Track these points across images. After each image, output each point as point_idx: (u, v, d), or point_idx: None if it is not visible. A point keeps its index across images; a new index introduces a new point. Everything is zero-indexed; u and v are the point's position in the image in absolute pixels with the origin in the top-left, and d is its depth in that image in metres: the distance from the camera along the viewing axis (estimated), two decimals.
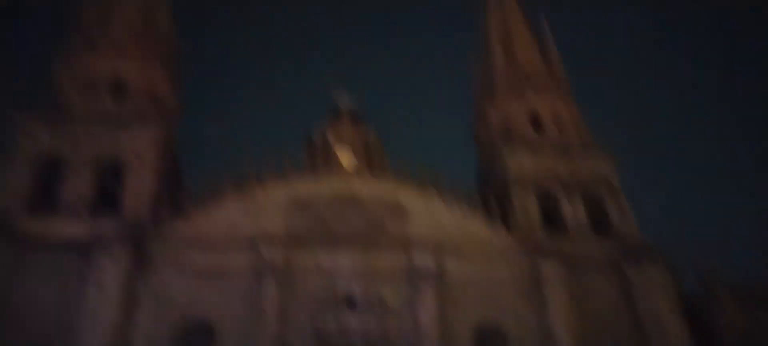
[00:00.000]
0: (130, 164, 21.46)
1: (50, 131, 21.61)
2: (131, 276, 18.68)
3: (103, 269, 18.42)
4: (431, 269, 20.11)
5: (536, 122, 26.05)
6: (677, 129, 70.36)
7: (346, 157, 23.24)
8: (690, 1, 70.50)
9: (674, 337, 19.40)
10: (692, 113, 69.33)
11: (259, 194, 21.40)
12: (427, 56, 78.50)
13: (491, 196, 23.10)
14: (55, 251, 19.06)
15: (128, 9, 26.34)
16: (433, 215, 21.79)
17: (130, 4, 26.57)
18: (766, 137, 63.60)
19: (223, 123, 63.15)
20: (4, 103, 22.49)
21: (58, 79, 23.77)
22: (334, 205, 21.55)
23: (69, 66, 23.98)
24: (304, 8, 79.00)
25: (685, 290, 21.91)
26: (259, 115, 69.39)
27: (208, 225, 20.47)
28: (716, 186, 64.13)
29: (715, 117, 67.98)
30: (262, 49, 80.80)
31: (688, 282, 22.37)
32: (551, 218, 23.29)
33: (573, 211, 23.03)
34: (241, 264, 19.65)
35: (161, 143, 22.49)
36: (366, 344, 18.59)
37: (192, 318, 18.59)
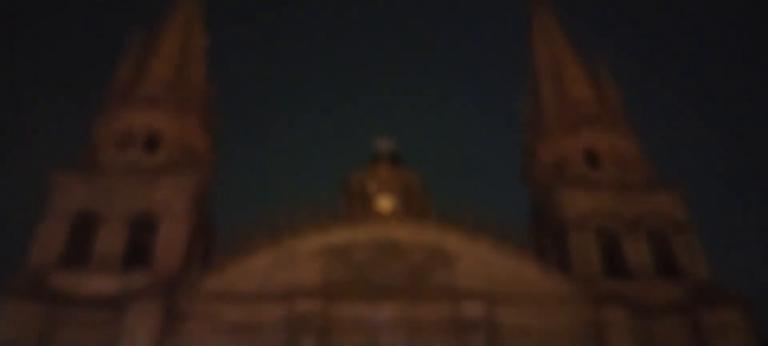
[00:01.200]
0: (162, 217, 21.06)
1: (85, 187, 21.54)
2: (163, 331, 18.04)
3: (135, 323, 17.89)
4: (481, 320, 18.46)
5: (592, 159, 24.32)
6: (751, 163, 66.21)
7: (385, 203, 22.10)
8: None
9: None
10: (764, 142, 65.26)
11: (294, 244, 20.42)
12: (472, 95, 77.64)
13: (546, 239, 21.49)
14: (87, 306, 18.72)
15: (163, 63, 26.61)
16: (481, 261, 20.24)
17: (166, 57, 26.83)
18: None
19: (258, 172, 63.42)
20: (43, 162, 22.63)
21: (94, 134, 23.99)
22: (374, 253, 20.31)
23: (105, 122, 24.19)
24: (342, 51, 80.00)
25: (764, 334, 19.58)
26: (295, 163, 69.55)
27: (241, 277, 19.62)
28: None
29: None
30: (299, 94, 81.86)
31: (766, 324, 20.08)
32: (613, 261, 21.33)
33: (637, 252, 21.13)
34: (276, 318, 18.59)
35: (194, 195, 22.05)
36: None
37: None
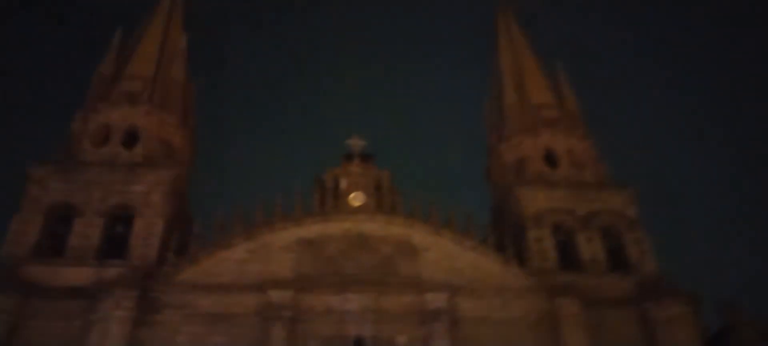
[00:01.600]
0: (139, 210, 21.52)
1: (61, 180, 21.85)
2: (137, 322, 18.44)
3: (108, 314, 18.25)
4: (444, 310, 19.52)
5: (551, 160, 25.71)
6: (698, 162, 69.19)
7: (357, 199, 23.00)
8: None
9: None
10: (712, 146, 68.29)
11: (268, 237, 21.17)
12: (440, 96, 79.14)
13: (506, 234, 22.60)
14: (60, 298, 18.92)
15: (143, 61, 27.06)
16: (445, 255, 21.30)
17: (146, 56, 27.30)
18: None
19: (234, 168, 63.70)
20: (20, 156, 22.89)
21: (73, 130, 24.27)
22: (344, 246, 21.22)
23: (84, 117, 24.52)
24: (317, 55, 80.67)
25: (707, 325, 21.10)
26: (270, 159, 69.93)
27: (216, 269, 20.24)
28: (739, 220, 62.42)
29: (735, 147, 66.81)
30: (275, 93, 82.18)
31: (710, 318, 21.55)
32: (568, 255, 22.63)
33: (590, 247, 22.39)
34: (249, 307, 19.29)
35: (171, 189, 22.56)
36: None
37: None
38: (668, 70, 73.82)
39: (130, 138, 24.23)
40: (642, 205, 23.96)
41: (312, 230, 21.48)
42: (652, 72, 74.50)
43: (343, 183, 23.46)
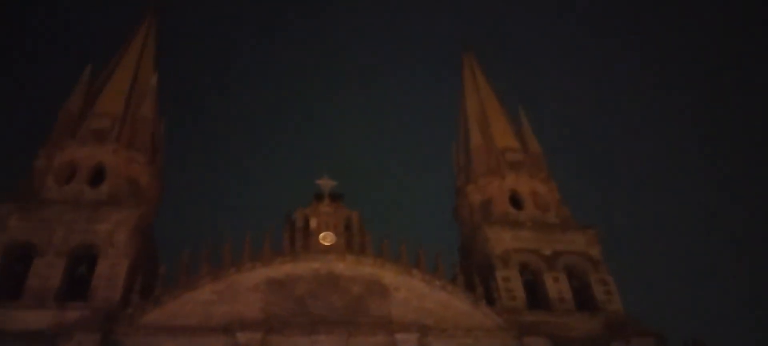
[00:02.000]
0: (102, 250, 20.97)
1: (21, 219, 21.19)
2: None
3: None
4: None
5: (516, 201, 26.42)
6: (662, 202, 71.60)
7: (326, 239, 23.01)
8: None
9: None
10: (675, 185, 70.93)
11: (236, 278, 20.86)
12: (409, 140, 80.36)
13: (474, 273, 22.87)
14: (17, 342, 18.04)
15: (113, 98, 26.87)
16: (415, 294, 21.36)
17: (115, 93, 27.13)
18: (753, 206, 64.67)
19: (202, 205, 62.81)
20: None
21: (36, 167, 23.71)
22: (314, 286, 21.08)
23: (48, 154, 24.03)
24: (288, 93, 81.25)
25: None
26: (240, 198, 69.27)
27: (182, 311, 19.78)
28: (703, 258, 64.46)
29: (699, 188, 69.56)
30: (244, 132, 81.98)
31: None
32: (536, 294, 23.03)
33: (557, 287, 22.83)
34: None
35: (136, 228, 22.13)
36: None
37: None
38: (629, 111, 76.92)
39: (97, 176, 23.80)
40: (606, 246, 24.73)
41: (281, 270, 21.31)
42: (614, 112, 77.50)
43: (313, 223, 23.47)
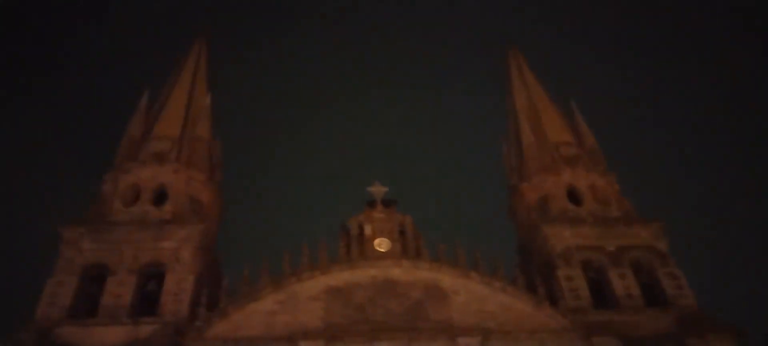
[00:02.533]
0: (170, 266, 21.84)
1: (93, 241, 22.33)
2: None
3: None
4: None
5: (574, 197, 25.58)
6: (727, 194, 67.78)
7: (381, 245, 23.05)
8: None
9: None
10: (744, 175, 67.00)
11: (296, 287, 21.20)
12: (458, 140, 79.53)
13: (534, 274, 22.30)
14: None
15: (170, 121, 28.01)
16: (475, 297, 21.05)
17: (172, 116, 28.28)
18: None
19: (261, 220, 64.37)
20: (53, 219, 23.43)
21: (103, 191, 24.99)
22: (373, 293, 21.13)
23: (113, 178, 25.26)
24: (335, 102, 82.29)
25: None
26: (296, 210, 70.56)
27: (246, 322, 20.26)
28: None
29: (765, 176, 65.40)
30: (295, 145, 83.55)
31: None
32: (601, 293, 22.21)
33: (623, 283, 21.93)
34: None
35: (200, 244, 22.91)
36: None
37: None
38: (698, 97, 73.31)
39: (159, 196, 24.82)
40: (674, 239, 23.63)
41: (339, 277, 21.48)
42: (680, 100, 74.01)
43: (368, 229, 23.56)
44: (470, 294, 21.15)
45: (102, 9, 73.62)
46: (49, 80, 71.59)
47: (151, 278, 22.11)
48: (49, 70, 71.38)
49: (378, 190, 25.32)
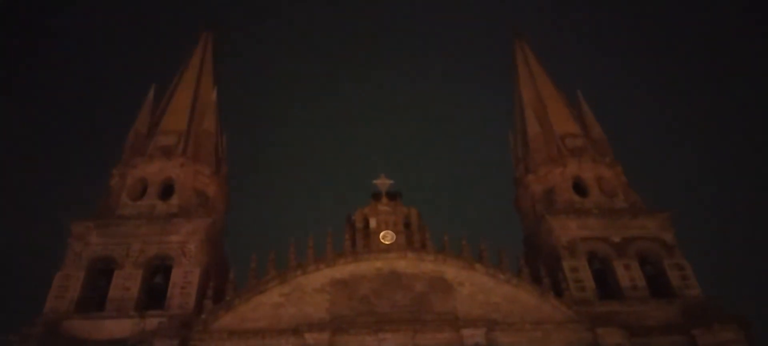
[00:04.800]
0: (176, 260, 22.03)
1: (101, 235, 22.55)
2: None
3: None
4: None
5: (580, 188, 25.47)
6: (732, 186, 67.25)
7: (386, 237, 23.09)
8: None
9: None
10: (753, 167, 66.41)
11: (302, 280, 21.29)
12: (463, 130, 79.34)
13: (539, 265, 22.28)
14: None
15: (176, 115, 28.13)
16: (480, 289, 21.07)
17: (179, 110, 28.39)
18: None
19: (266, 212, 64.66)
20: (62, 213, 23.62)
21: (111, 185, 25.23)
22: (378, 285, 21.20)
23: (121, 172, 25.46)
24: (340, 94, 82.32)
25: None
26: (299, 203, 70.85)
27: (252, 314, 20.40)
28: None
29: None
30: (300, 138, 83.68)
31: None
32: (606, 284, 22.20)
33: (629, 275, 21.89)
34: None
35: (206, 237, 23.06)
36: None
37: None
38: (704, 88, 72.73)
39: (166, 190, 24.96)
40: (679, 230, 23.50)
41: (344, 270, 21.56)
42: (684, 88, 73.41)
43: (373, 222, 23.62)
44: (475, 286, 21.17)
45: (109, 3, 74.03)
46: (55, 75, 72.17)
47: (158, 271, 22.30)
48: (57, 64, 71.88)
49: (383, 182, 25.35)
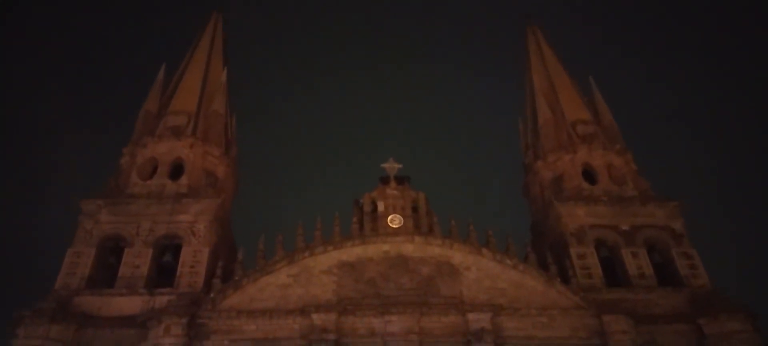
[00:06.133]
0: (186, 239, 22.25)
1: (112, 213, 22.78)
2: None
3: (158, 342, 18.73)
4: (487, 330, 19.25)
5: (589, 176, 25.35)
6: (743, 175, 66.57)
7: (394, 221, 23.15)
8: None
9: None
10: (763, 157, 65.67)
11: (309, 261, 21.45)
12: (473, 115, 78.95)
13: (547, 251, 22.26)
14: (112, 327, 19.56)
15: (186, 96, 28.18)
16: (486, 274, 21.12)
17: (188, 91, 28.43)
18: None
19: (275, 193, 65.02)
20: (72, 192, 23.86)
21: (121, 164, 25.40)
22: (384, 268, 21.31)
23: (131, 152, 25.63)
24: (352, 81, 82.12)
25: (766, 342, 19.76)
26: (308, 185, 71.10)
27: (260, 294, 20.62)
28: None
29: None
30: (310, 121, 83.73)
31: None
32: (613, 271, 22.17)
33: (636, 263, 21.85)
34: (292, 331, 19.55)
35: (215, 217, 23.21)
36: None
37: None
38: (716, 77, 71.79)
39: (176, 170, 25.10)
40: (689, 219, 23.35)
41: (352, 253, 21.67)
42: (695, 77, 72.54)
43: (381, 206, 23.66)
44: (481, 271, 21.22)
45: None
46: (67, 56, 72.41)
47: (168, 250, 22.57)
48: (68, 46, 72.12)
49: (392, 166, 25.33)
